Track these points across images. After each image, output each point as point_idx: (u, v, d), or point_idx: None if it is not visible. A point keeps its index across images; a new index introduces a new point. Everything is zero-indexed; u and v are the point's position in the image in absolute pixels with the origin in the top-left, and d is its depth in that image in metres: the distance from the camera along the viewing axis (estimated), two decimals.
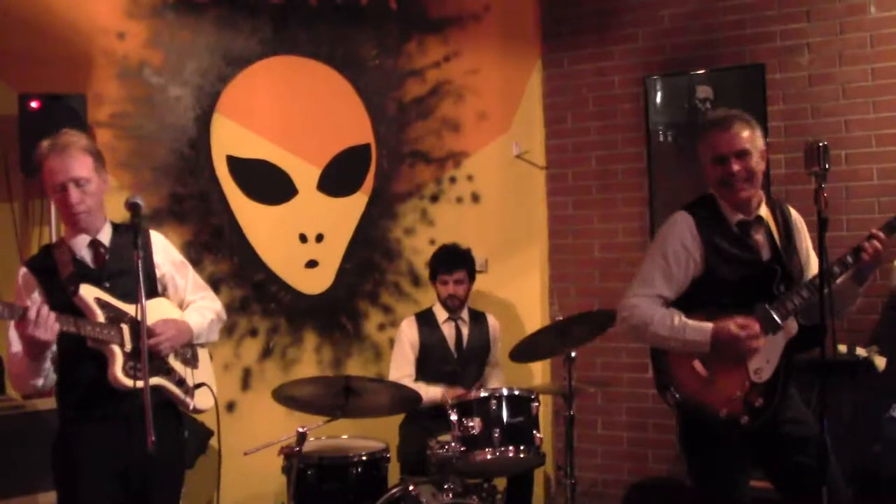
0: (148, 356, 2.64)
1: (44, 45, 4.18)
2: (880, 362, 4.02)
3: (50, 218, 4.05)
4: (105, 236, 2.95)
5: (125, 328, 2.83)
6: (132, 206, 2.73)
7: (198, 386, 3.03)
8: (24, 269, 2.92)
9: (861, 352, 4.06)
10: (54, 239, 3.96)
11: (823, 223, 2.65)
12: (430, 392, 4.15)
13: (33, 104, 3.90)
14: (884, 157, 4.38)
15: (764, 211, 3.01)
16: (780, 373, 2.89)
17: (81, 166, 2.82)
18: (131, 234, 2.69)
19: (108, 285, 2.87)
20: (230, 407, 4.52)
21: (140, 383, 2.64)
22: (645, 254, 3.12)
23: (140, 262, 2.64)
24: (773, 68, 4.59)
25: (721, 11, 4.72)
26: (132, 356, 2.80)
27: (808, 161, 2.69)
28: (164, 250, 3.11)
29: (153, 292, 3.02)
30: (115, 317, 2.83)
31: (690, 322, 2.88)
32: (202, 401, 3.07)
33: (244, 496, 4.34)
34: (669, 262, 2.95)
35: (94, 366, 2.80)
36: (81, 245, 2.92)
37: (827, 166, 2.65)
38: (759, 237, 2.98)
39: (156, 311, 2.96)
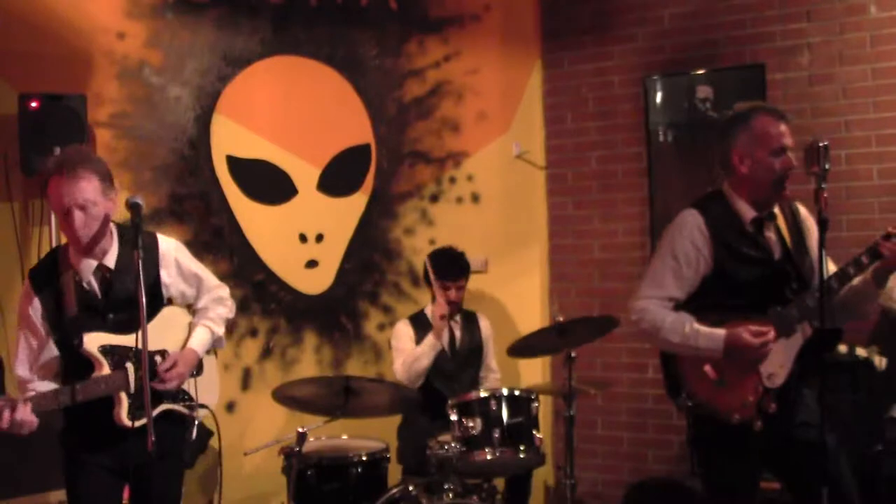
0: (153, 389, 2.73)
1: (44, 45, 4.17)
2: (880, 362, 4.02)
3: (50, 218, 4.05)
4: (111, 258, 2.90)
5: (130, 368, 2.82)
6: (132, 207, 2.73)
7: (202, 406, 3.03)
8: (28, 286, 2.87)
9: (861, 352, 4.06)
10: (54, 239, 3.97)
11: (823, 223, 2.65)
12: (426, 344, 4.19)
13: (33, 104, 3.89)
14: (884, 157, 4.37)
15: (775, 208, 2.95)
16: (793, 377, 2.83)
17: (87, 188, 2.75)
18: (138, 244, 2.68)
19: (111, 317, 2.85)
20: (230, 407, 4.52)
21: (142, 421, 2.72)
22: (653, 253, 3.04)
23: (140, 261, 2.65)
24: (773, 68, 4.58)
25: (721, 11, 4.71)
26: (137, 394, 2.81)
27: (808, 161, 2.69)
28: (175, 265, 3.04)
29: (160, 306, 3.01)
30: (120, 358, 2.82)
31: (703, 329, 2.84)
32: (208, 400, 3.10)
33: (244, 496, 4.33)
34: (680, 262, 2.89)
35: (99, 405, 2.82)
36: (88, 271, 2.87)
37: (827, 166, 2.64)
38: (771, 235, 2.91)
39: (163, 324, 2.97)
